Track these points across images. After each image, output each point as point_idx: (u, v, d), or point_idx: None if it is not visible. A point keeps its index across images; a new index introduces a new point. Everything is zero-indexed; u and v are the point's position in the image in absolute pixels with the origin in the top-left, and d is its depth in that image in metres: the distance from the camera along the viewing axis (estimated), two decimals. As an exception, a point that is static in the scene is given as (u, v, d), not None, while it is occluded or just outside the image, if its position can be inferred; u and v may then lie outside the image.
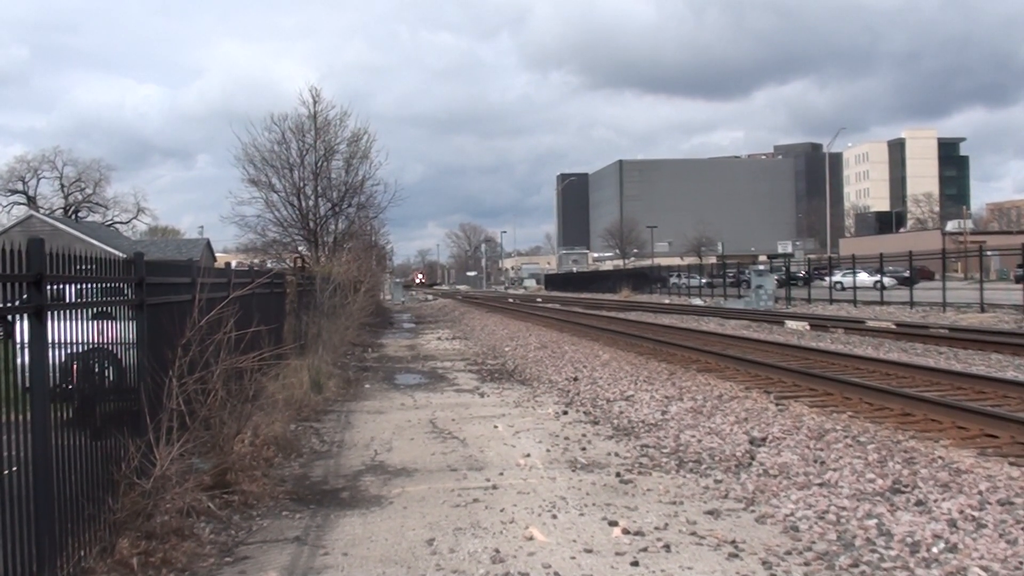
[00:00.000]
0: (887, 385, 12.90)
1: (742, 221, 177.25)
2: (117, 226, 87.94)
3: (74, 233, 53.44)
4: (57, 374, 5.17)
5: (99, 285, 6.19)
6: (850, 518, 6.71)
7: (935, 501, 7.01)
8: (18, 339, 4.75)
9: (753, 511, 7.13)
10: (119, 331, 6.55)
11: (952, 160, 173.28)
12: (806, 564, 5.81)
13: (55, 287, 5.17)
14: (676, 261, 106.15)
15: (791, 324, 28.48)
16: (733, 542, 6.29)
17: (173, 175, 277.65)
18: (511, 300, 64.71)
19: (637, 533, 6.56)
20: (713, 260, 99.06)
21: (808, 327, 27.29)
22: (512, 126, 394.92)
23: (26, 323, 4.77)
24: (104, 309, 6.35)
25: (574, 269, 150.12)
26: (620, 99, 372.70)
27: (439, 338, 29.94)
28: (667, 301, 55.76)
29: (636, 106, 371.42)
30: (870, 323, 27.23)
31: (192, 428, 7.23)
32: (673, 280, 72.33)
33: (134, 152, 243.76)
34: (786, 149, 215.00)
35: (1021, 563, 5.61)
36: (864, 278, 47.91)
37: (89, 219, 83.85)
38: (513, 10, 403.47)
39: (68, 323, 5.37)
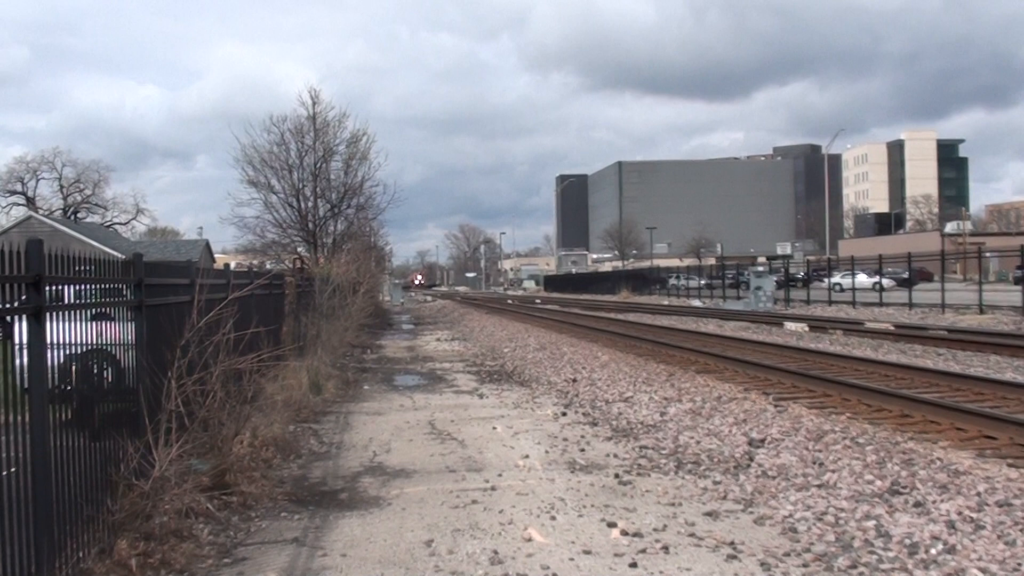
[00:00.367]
0: (886, 386, 12.90)
1: (741, 222, 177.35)
2: (116, 227, 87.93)
3: (73, 234, 53.41)
4: (56, 375, 5.17)
5: (98, 286, 6.19)
6: (849, 519, 6.71)
7: (933, 502, 7.02)
8: (17, 340, 4.75)
9: (752, 512, 7.14)
10: (118, 332, 6.56)
11: (951, 162, 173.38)
12: (805, 565, 5.81)
13: (54, 288, 5.17)
14: (675, 262, 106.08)
15: (790, 325, 28.48)
16: (732, 543, 6.30)
17: (172, 176, 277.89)
18: (510, 301, 64.71)
19: (636, 534, 6.57)
20: (712, 261, 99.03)
21: (807, 328, 27.29)
22: (512, 127, 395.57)
23: (25, 324, 4.77)
24: (103, 310, 6.35)
25: (573, 270, 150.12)
26: (620, 100, 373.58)
27: (438, 339, 29.95)
28: (666, 302, 55.76)
29: (636, 107, 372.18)
30: (869, 324, 27.23)
31: (191, 429, 7.22)
32: (672, 281, 72.31)
33: (133, 153, 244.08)
34: (785, 151, 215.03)
35: (1019, 564, 5.62)
36: (863, 279, 47.89)
37: (88, 220, 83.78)
38: (514, 11, 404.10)
39: (67, 324, 5.38)
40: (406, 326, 39.53)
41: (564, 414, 12.49)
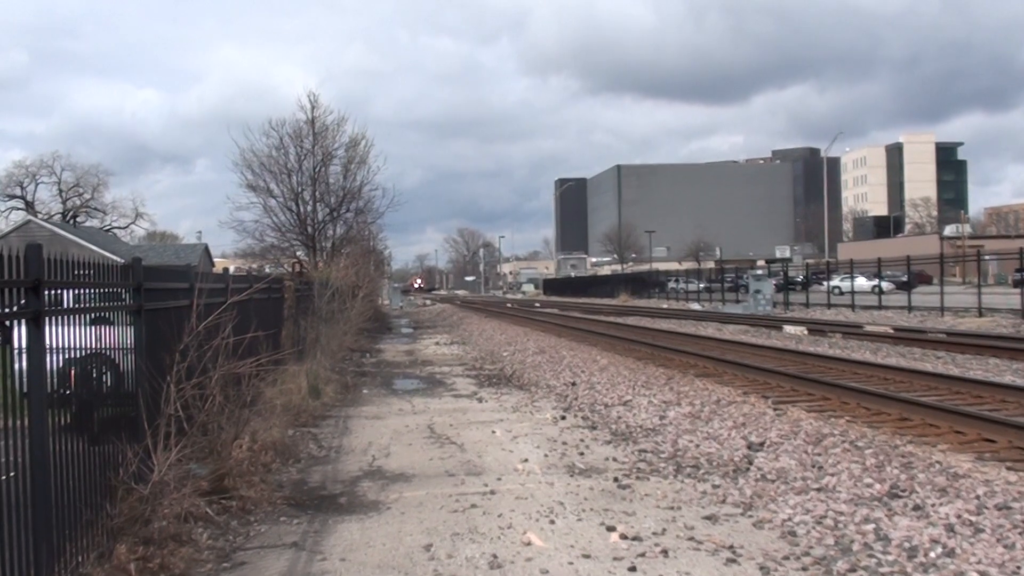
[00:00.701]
0: (885, 390, 12.90)
1: (740, 226, 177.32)
2: (115, 231, 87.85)
3: (72, 238, 53.38)
4: (55, 379, 5.17)
5: (97, 290, 6.19)
6: (848, 523, 6.71)
7: (933, 506, 7.02)
8: (16, 344, 4.75)
9: (751, 516, 7.14)
10: (117, 336, 6.56)
11: (950, 164, 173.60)
12: (804, 569, 5.82)
13: (53, 292, 5.17)
14: (674, 266, 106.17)
15: (789, 329, 28.49)
16: (731, 547, 6.30)
17: (172, 180, 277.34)
18: (509, 305, 64.71)
19: (635, 538, 6.57)
20: (711, 265, 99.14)
21: (806, 332, 27.31)
22: (511, 131, 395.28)
23: (24, 328, 4.77)
24: (102, 314, 6.35)
25: (572, 274, 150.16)
26: (619, 104, 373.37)
27: (437, 343, 29.95)
28: (665, 306, 55.76)
29: (635, 111, 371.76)
30: (868, 328, 27.24)
31: (190, 433, 7.22)
32: (671, 285, 72.38)
33: (133, 157, 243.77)
34: (784, 154, 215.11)
35: (1018, 568, 5.62)
36: (862, 283, 47.95)
37: (87, 224, 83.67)
38: (513, 14, 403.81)
39: (66, 328, 5.38)
40: (405, 330, 39.54)
41: (563, 418, 12.49)
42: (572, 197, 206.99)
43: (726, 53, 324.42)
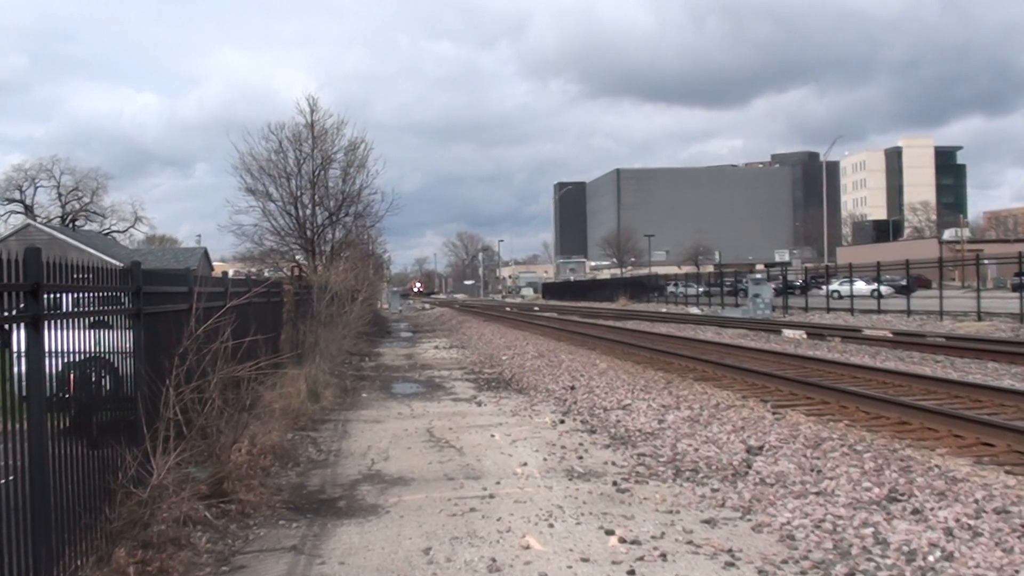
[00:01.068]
0: (884, 394, 12.92)
1: (739, 230, 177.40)
2: (114, 235, 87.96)
3: (71, 242, 53.39)
4: (54, 383, 5.18)
5: (96, 294, 6.19)
6: (846, 527, 6.72)
7: (931, 510, 7.02)
8: (15, 348, 4.75)
9: (750, 520, 7.14)
10: (116, 340, 6.56)
11: (949, 168, 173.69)
12: (802, 573, 5.82)
13: (52, 296, 5.18)
14: (673, 270, 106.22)
15: (788, 333, 28.50)
16: (730, 551, 6.30)
17: (171, 184, 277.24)
18: (508, 309, 64.72)
19: (634, 542, 6.57)
20: (710, 269, 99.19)
21: (805, 336, 27.31)
22: (511, 135, 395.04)
23: (23, 332, 4.78)
24: (101, 318, 6.35)
25: (571, 278, 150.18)
26: (619, 108, 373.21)
27: (436, 347, 29.95)
28: (664, 310, 55.78)
29: (635, 115, 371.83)
30: (867, 332, 27.26)
31: (189, 437, 7.22)
32: (670, 289, 72.42)
33: (132, 161, 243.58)
34: (783, 158, 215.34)
35: (1017, 572, 5.63)
36: (861, 287, 48.01)
37: (86, 228, 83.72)
38: (513, 19, 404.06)
39: (65, 332, 5.38)
40: (404, 334, 39.53)
41: (562, 422, 12.49)
42: (571, 201, 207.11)
43: (726, 57, 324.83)
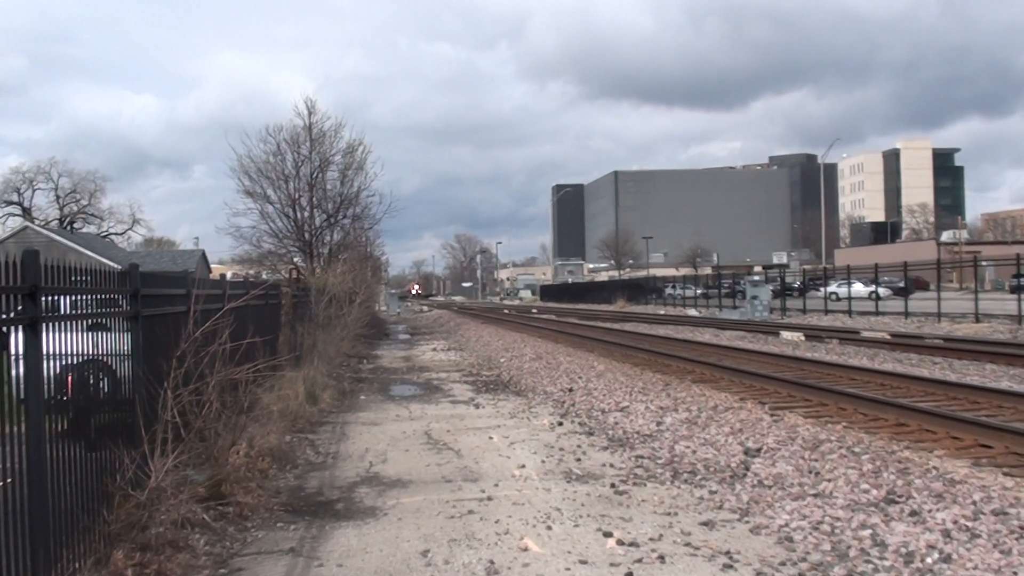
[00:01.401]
0: (882, 396, 12.93)
1: (737, 232, 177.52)
2: (112, 237, 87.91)
3: (69, 244, 53.35)
4: (52, 386, 5.17)
5: (94, 297, 6.19)
6: (844, 529, 6.72)
7: (929, 511, 7.03)
8: (13, 350, 4.75)
9: (748, 522, 7.14)
10: (114, 342, 6.56)
11: (946, 170, 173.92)
12: (800, 575, 5.82)
13: (50, 299, 5.18)
14: (671, 272, 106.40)
15: (786, 335, 28.51)
16: (728, 553, 6.30)
17: (169, 186, 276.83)
18: (506, 311, 64.69)
19: (632, 544, 6.57)
20: (708, 271, 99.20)
21: (803, 338, 27.33)
22: (509, 136, 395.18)
23: (21, 335, 4.78)
24: (99, 320, 6.35)
25: (569, 280, 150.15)
26: (618, 109, 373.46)
27: (434, 349, 29.95)
28: (662, 312, 55.79)
29: (633, 116, 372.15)
30: (865, 333, 27.27)
31: (187, 439, 7.22)
32: (668, 291, 72.45)
33: (130, 163, 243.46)
34: (781, 160, 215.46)
35: (1015, 573, 5.63)
36: (859, 288, 48.08)
37: (84, 230, 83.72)
38: (512, 20, 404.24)
39: (63, 335, 5.38)
40: (402, 336, 39.52)
41: (560, 424, 12.50)
42: (569, 203, 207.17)
43: (725, 59, 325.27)
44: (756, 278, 55.65)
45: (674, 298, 68.72)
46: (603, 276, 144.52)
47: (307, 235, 34.45)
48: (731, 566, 6.03)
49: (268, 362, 10.81)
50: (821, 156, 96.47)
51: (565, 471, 9.29)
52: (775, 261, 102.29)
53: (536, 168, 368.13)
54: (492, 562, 6.20)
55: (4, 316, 4.58)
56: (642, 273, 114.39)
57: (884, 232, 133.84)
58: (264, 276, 31.56)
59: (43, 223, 76.74)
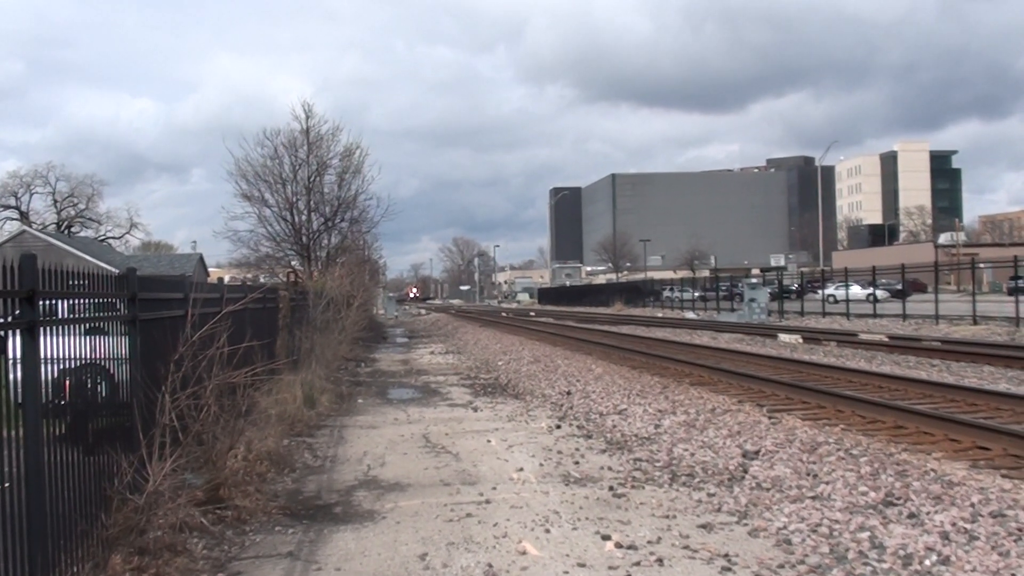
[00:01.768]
0: (880, 398, 12.93)
1: (735, 234, 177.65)
2: (110, 241, 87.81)
3: (67, 248, 53.31)
4: (50, 389, 5.17)
5: (92, 300, 6.19)
6: (843, 531, 6.72)
7: (928, 514, 7.03)
8: (11, 355, 4.74)
9: (746, 524, 7.14)
10: (112, 346, 6.56)
11: (944, 173, 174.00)
12: (799, 577, 5.82)
13: (48, 303, 5.17)
14: (669, 274, 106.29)
15: (784, 337, 28.53)
16: (726, 555, 6.30)
17: (167, 190, 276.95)
18: (504, 314, 64.71)
19: (630, 547, 6.57)
20: (706, 273, 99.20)
21: (801, 340, 27.34)
22: (507, 140, 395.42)
23: (18, 339, 4.77)
24: (97, 324, 6.35)
25: (567, 283, 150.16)
26: (616, 112, 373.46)
27: (432, 352, 29.94)
28: (660, 314, 55.82)
29: (632, 119, 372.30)
30: (863, 336, 27.29)
31: (185, 443, 7.22)
32: (666, 293, 72.49)
33: (128, 167, 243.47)
34: (779, 162, 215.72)
35: (1013, 575, 5.63)
36: (857, 291, 48.07)
37: (82, 234, 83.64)
38: (510, 24, 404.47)
39: (61, 338, 5.38)
40: (400, 339, 39.52)
41: (558, 427, 12.49)
42: (567, 206, 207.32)
43: (723, 62, 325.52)
44: (754, 281, 55.66)
45: (672, 301, 68.73)
46: (601, 279, 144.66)
47: (305, 239, 34.46)
48: (729, 569, 6.03)
49: (266, 366, 10.81)
50: (819, 159, 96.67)
51: (563, 474, 9.28)
52: (773, 263, 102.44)
53: (534, 171, 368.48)
54: (490, 565, 6.19)
55: (2, 320, 4.58)
56: (640, 276, 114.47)
57: (882, 234, 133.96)
58: (262, 280, 31.60)
59: (40, 227, 76.69)
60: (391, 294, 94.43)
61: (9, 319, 4.66)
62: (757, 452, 9.76)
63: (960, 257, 72.16)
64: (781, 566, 6.03)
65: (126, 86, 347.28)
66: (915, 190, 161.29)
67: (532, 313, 68.12)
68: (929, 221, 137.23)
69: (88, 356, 5.99)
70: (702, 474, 9.01)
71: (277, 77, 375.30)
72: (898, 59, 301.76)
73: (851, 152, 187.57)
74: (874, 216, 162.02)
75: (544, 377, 18.86)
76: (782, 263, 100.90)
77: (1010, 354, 19.20)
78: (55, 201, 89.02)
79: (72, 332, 5.62)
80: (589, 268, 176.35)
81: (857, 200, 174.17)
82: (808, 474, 8.59)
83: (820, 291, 50.65)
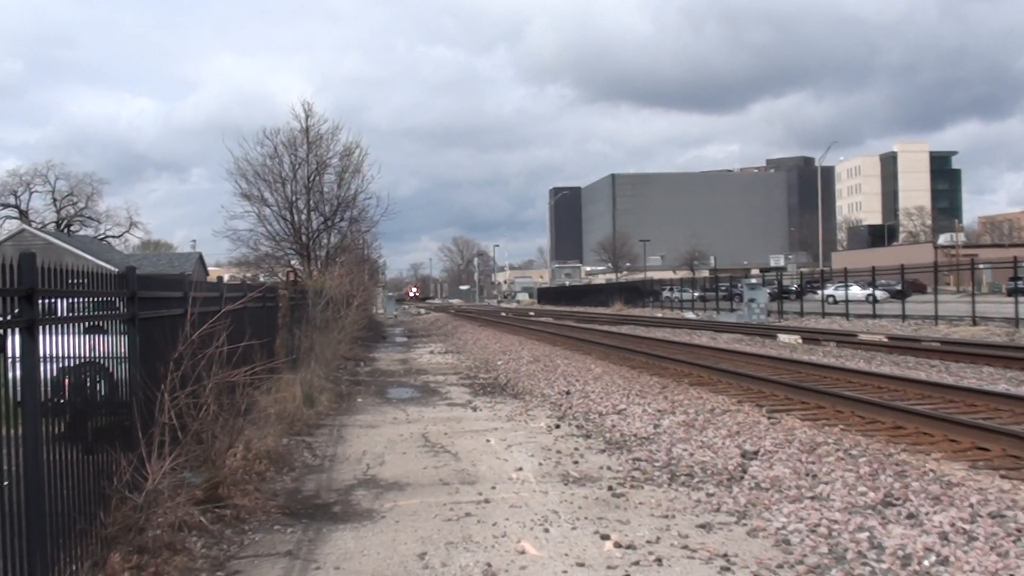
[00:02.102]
0: (879, 398, 12.94)
1: (735, 235, 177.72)
2: (109, 240, 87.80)
3: (66, 247, 53.28)
4: (49, 388, 5.17)
5: (91, 299, 6.19)
6: (842, 531, 6.72)
7: (926, 514, 7.03)
8: (10, 353, 4.74)
9: (745, 524, 7.14)
10: (111, 345, 6.55)
11: (944, 173, 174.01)
12: (798, 577, 5.83)
13: (47, 301, 5.17)
14: (669, 275, 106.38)
15: (783, 338, 28.53)
16: (725, 555, 6.30)
17: (167, 189, 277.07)
18: (504, 314, 64.71)
19: (629, 547, 6.57)
20: (706, 274, 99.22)
21: (800, 340, 27.34)
22: (507, 140, 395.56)
23: (18, 337, 4.77)
24: (96, 323, 6.35)
25: (567, 283, 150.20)
26: (616, 113, 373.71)
27: (432, 352, 29.93)
28: (660, 315, 55.82)
29: (632, 120, 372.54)
30: (862, 336, 27.29)
31: (184, 442, 7.21)
32: (666, 294, 72.51)
33: (128, 166, 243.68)
34: (778, 163, 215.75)
35: (1012, 575, 5.64)
36: (856, 291, 48.08)
37: (81, 233, 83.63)
38: (510, 23, 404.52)
39: (60, 337, 5.37)
40: (400, 339, 39.50)
41: (558, 426, 12.49)
42: (567, 206, 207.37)
43: (723, 62, 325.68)
44: (753, 281, 55.61)
45: (671, 301, 68.75)
46: (600, 279, 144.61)
47: (304, 238, 34.45)
48: (728, 568, 6.03)
49: (265, 365, 10.80)
50: (818, 159, 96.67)
51: (562, 474, 9.28)
52: (772, 264, 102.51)
53: (534, 171, 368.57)
54: (489, 565, 6.19)
55: (1, 319, 4.58)
56: (639, 276, 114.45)
57: (881, 235, 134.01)
58: (261, 279, 31.58)
59: (40, 226, 76.69)
60: (391, 293, 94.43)
61: (8, 317, 4.66)
62: (756, 452, 9.76)
63: (960, 258, 72.16)
64: (780, 566, 6.03)
65: (126, 85, 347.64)
66: (915, 191, 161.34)
67: (531, 313, 68.12)
68: (929, 222, 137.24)
69: (87, 355, 5.98)
70: (701, 474, 9.01)
71: (277, 76, 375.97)
72: (898, 59, 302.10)
73: (851, 153, 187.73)
74: (874, 217, 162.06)
75: (543, 377, 18.86)
76: (782, 263, 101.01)
77: (1009, 355, 19.21)
78: (54, 200, 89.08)
79: (71, 331, 5.61)
80: (589, 268, 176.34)
81: (857, 201, 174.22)
82: (807, 474, 8.59)
83: (819, 291, 50.65)
